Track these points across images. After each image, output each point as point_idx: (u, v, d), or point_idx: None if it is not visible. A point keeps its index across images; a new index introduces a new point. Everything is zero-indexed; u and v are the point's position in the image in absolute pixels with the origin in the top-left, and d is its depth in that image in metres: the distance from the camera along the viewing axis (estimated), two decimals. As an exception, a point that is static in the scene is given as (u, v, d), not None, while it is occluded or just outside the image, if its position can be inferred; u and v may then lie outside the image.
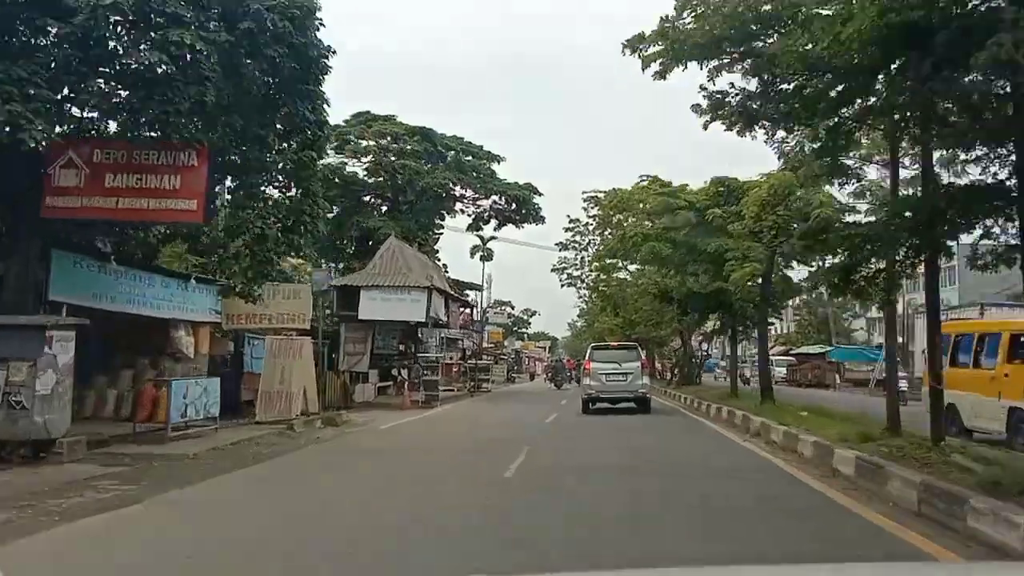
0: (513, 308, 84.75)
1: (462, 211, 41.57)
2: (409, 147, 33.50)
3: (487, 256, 74.58)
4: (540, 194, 39.47)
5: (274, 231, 15.39)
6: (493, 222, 41.70)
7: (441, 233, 41.35)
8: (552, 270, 49.29)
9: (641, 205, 31.78)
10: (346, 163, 35.11)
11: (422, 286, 28.76)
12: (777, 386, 48.74)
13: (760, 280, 20.28)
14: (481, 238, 74.88)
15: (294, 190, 16.07)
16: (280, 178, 16.08)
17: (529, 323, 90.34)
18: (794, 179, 16.58)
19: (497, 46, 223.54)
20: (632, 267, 48.15)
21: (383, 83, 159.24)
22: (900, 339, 59.20)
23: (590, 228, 48.60)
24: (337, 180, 34.17)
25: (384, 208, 36.45)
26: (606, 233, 48.34)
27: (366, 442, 16.52)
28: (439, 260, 42.75)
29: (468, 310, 38.05)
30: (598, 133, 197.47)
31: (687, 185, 24.93)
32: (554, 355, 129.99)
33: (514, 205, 39.97)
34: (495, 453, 13.45)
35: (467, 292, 42.54)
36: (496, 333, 77.40)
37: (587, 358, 24.35)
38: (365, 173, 37.14)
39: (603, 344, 29.71)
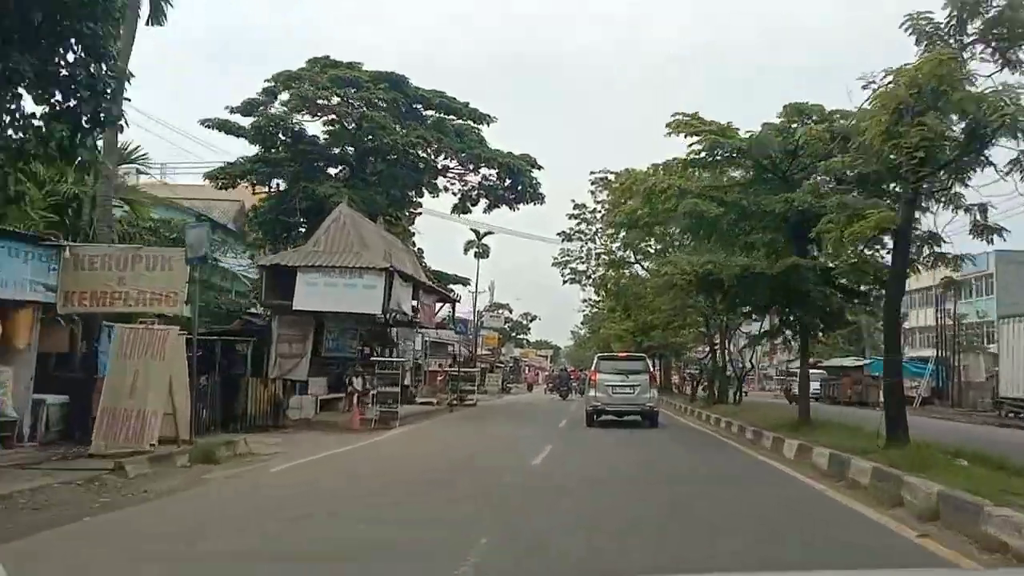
0: (511, 312, 77.53)
1: (446, 188, 34.52)
2: (376, 98, 26.44)
3: (482, 253, 67.79)
4: (538, 167, 32.45)
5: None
6: (483, 202, 34.65)
7: (418, 212, 34.40)
8: (554, 264, 42.33)
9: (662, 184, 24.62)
10: (299, 120, 28.09)
11: (378, 268, 21.73)
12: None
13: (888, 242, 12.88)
14: (476, 232, 67.85)
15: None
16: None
17: (528, 328, 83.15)
18: (954, 62, 9.64)
19: (497, 46, 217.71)
20: (647, 264, 41.39)
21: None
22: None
23: (598, 215, 41.70)
24: (283, 137, 27.26)
25: (344, 175, 29.40)
26: (615, 219, 41.47)
27: (211, 509, 9.46)
28: (414, 245, 35.74)
29: (448, 306, 30.93)
30: (598, 133, 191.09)
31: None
32: (557, 365, 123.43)
33: (507, 180, 32.90)
34: (423, 549, 6.54)
35: (451, 286, 35.42)
36: (491, 338, 70.37)
37: (592, 369, 23.08)
38: (327, 138, 30.15)
39: (610, 354, 28.47)
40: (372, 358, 23.02)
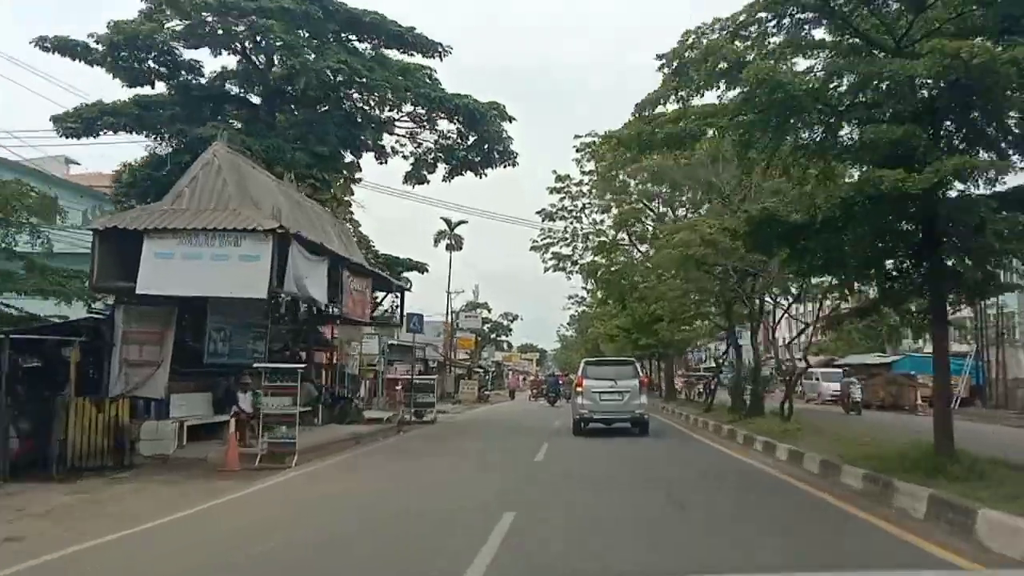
0: (490, 312, 70.30)
1: (394, 150, 27.39)
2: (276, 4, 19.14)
3: (455, 244, 60.62)
4: (510, 118, 25.36)
5: None
6: (442, 167, 27.52)
7: (357, 179, 27.24)
8: (533, 248, 35.18)
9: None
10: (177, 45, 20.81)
11: (262, 229, 14.58)
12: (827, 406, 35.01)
13: None
14: (447, 221, 60.60)
15: None
16: None
17: (510, 330, 75.84)
18: None
19: (486, 58, 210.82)
20: (643, 247, 34.40)
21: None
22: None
23: (585, 190, 34.66)
24: (155, 64, 20.04)
25: (245, 118, 22.20)
26: (607, 198, 34.42)
27: None
28: (351, 216, 28.62)
29: (393, 297, 23.85)
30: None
31: None
32: (544, 369, 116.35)
33: (472, 136, 25.81)
34: None
35: (405, 275, 28.23)
36: (467, 341, 63.17)
37: (579, 374, 21.76)
38: (228, 75, 22.98)
39: (598, 359, 26.34)
40: (256, 365, 15.84)
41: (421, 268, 29.03)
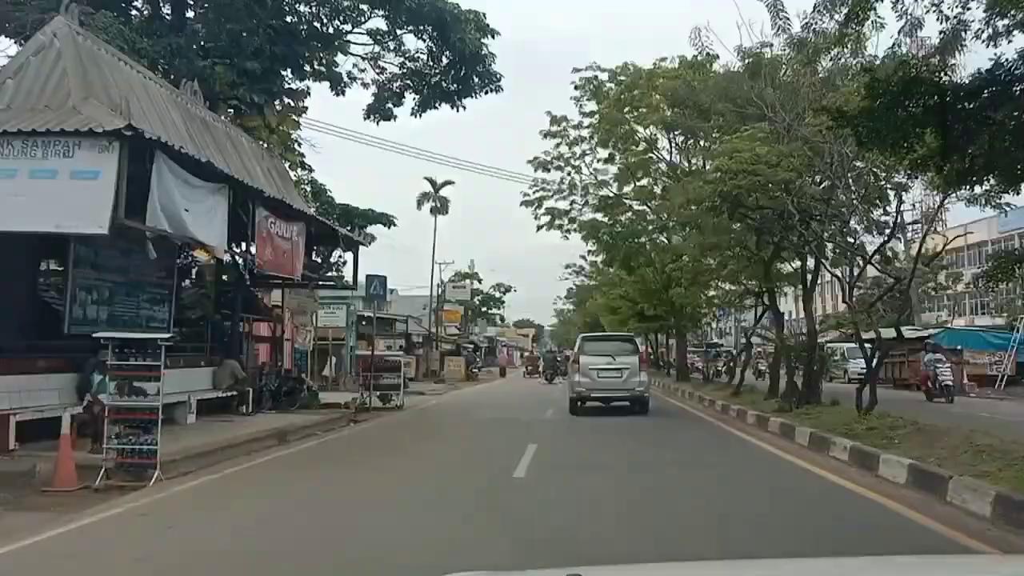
0: (481, 282, 65.32)
1: (352, 77, 22.39)
2: None
3: (440, 207, 55.59)
4: (493, 32, 20.32)
5: None
6: (411, 97, 22.53)
7: (303, 109, 22.17)
8: (524, 203, 30.23)
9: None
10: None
11: (104, 131, 9.66)
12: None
13: None
14: (432, 182, 55.42)
15: None
16: None
17: (502, 302, 70.87)
18: None
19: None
20: (654, 203, 29.38)
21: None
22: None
23: (585, 134, 29.65)
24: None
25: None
26: (610, 146, 29.39)
27: None
28: (302, 163, 23.72)
29: (340, 253, 19.04)
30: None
31: None
32: (541, 345, 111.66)
33: (445, 56, 20.80)
34: None
35: (365, 230, 23.28)
36: (454, 314, 58.34)
37: (576, 350, 20.57)
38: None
39: (595, 335, 25.30)
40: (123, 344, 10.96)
41: (387, 221, 24.09)
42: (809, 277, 17.90)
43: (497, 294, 68.41)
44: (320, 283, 20.11)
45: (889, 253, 19.08)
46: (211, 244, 11.86)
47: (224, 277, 18.96)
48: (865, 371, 38.75)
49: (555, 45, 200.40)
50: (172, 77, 15.22)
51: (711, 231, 18.60)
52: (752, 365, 27.01)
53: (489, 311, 71.06)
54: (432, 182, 50.51)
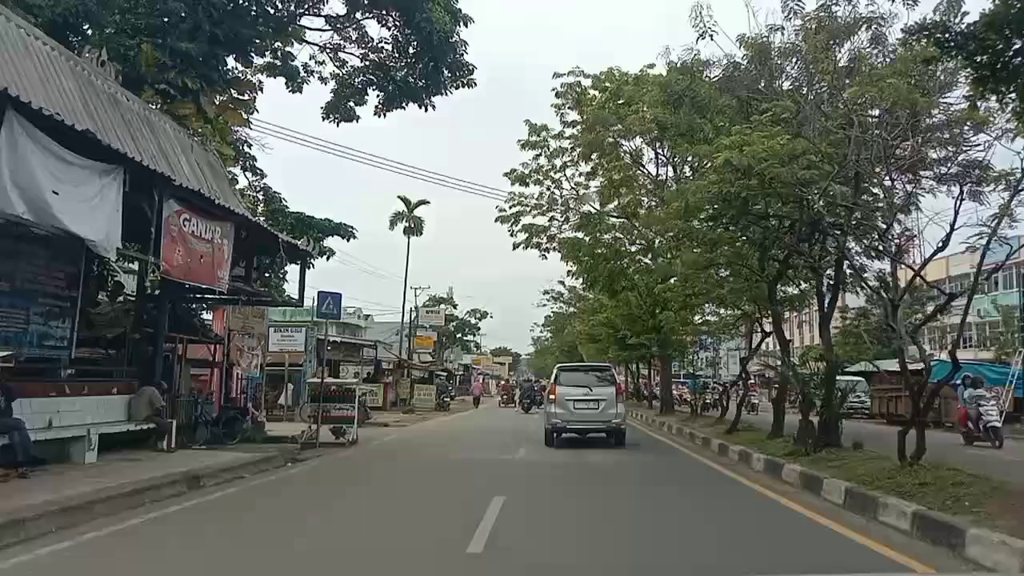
0: (456, 307, 62.72)
1: (309, 70, 20.03)
2: None
3: (414, 228, 53.01)
4: (465, 19, 18.06)
5: None
6: (375, 95, 20.19)
7: (251, 102, 19.70)
8: (499, 219, 27.88)
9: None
10: None
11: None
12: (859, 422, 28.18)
13: None
14: (406, 201, 52.96)
15: None
16: None
17: (478, 329, 68.27)
18: None
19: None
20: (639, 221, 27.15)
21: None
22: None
23: (566, 145, 27.45)
24: None
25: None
26: (593, 159, 27.18)
27: None
28: (253, 168, 21.35)
29: (286, 264, 16.60)
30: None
31: None
32: (518, 373, 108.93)
33: (412, 45, 18.53)
34: None
35: (320, 243, 20.86)
36: (426, 339, 55.66)
37: (552, 381, 20.17)
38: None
39: (572, 364, 24.15)
40: None
41: (346, 233, 21.55)
42: (828, 297, 15.58)
43: (473, 320, 65.85)
44: (254, 299, 17.49)
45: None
46: (91, 238, 9.31)
47: (149, 288, 16.35)
48: (866, 406, 36.62)
49: (538, 76, 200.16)
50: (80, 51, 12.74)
51: (708, 247, 16.32)
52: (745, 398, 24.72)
53: (464, 337, 68.40)
54: (406, 201, 48.07)
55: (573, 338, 54.00)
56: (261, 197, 22.07)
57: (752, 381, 27.13)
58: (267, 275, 18.44)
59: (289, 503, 10.68)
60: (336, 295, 19.37)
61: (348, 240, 21.69)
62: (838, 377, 39.43)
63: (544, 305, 52.03)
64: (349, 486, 12.40)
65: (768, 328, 20.70)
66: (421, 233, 49.28)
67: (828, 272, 15.26)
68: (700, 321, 26.87)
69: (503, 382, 70.34)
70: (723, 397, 24.53)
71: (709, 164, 13.28)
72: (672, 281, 20.20)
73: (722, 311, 21.94)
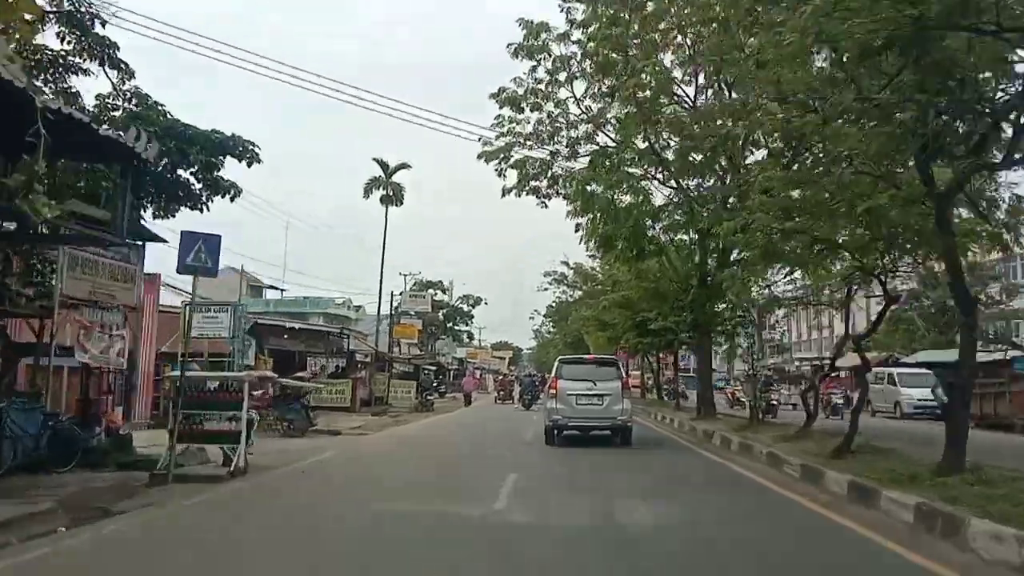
0: (446, 292, 55.35)
1: None
2: None
3: (394, 197, 45.52)
4: None
5: None
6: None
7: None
8: (482, 156, 20.60)
9: None
10: None
11: None
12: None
13: None
14: (383, 164, 45.50)
15: None
16: None
17: (471, 316, 60.90)
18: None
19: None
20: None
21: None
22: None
23: (574, 52, 20.23)
24: None
25: None
26: (612, 77, 19.96)
27: None
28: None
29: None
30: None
31: None
32: (519, 368, 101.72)
33: None
34: None
35: (219, 174, 13.58)
36: (408, 328, 48.41)
37: (553, 375, 19.13)
38: None
39: (574, 357, 23.24)
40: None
41: (248, 154, 14.36)
42: None
43: (466, 307, 58.47)
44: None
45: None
46: None
47: None
48: (933, 405, 29.48)
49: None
50: None
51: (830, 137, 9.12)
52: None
53: (456, 327, 61.09)
54: (383, 164, 40.71)
55: (579, 327, 46.83)
56: (132, 105, 14.96)
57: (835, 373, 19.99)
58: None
59: None
60: (212, 238, 12.18)
61: (250, 165, 14.49)
62: (896, 370, 32.07)
63: (546, 289, 44.94)
64: None
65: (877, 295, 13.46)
66: (402, 203, 41.97)
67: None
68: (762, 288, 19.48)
69: (500, 377, 63.19)
70: (807, 396, 17.27)
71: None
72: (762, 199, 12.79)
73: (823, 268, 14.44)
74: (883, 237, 10.51)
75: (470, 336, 71.12)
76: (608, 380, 17.63)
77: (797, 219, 11.56)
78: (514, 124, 19.99)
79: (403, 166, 41.38)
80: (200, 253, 12.00)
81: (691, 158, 17.44)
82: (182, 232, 12.07)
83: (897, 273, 13.52)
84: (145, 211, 15.75)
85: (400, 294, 48.33)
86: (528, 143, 20.03)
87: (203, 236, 12.13)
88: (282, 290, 56.11)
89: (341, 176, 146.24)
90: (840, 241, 10.95)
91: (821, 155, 10.49)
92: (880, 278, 12.25)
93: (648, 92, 19.09)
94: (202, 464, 13.31)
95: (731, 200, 17.62)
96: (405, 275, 52.33)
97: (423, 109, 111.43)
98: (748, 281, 16.05)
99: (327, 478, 12.63)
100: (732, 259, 21.38)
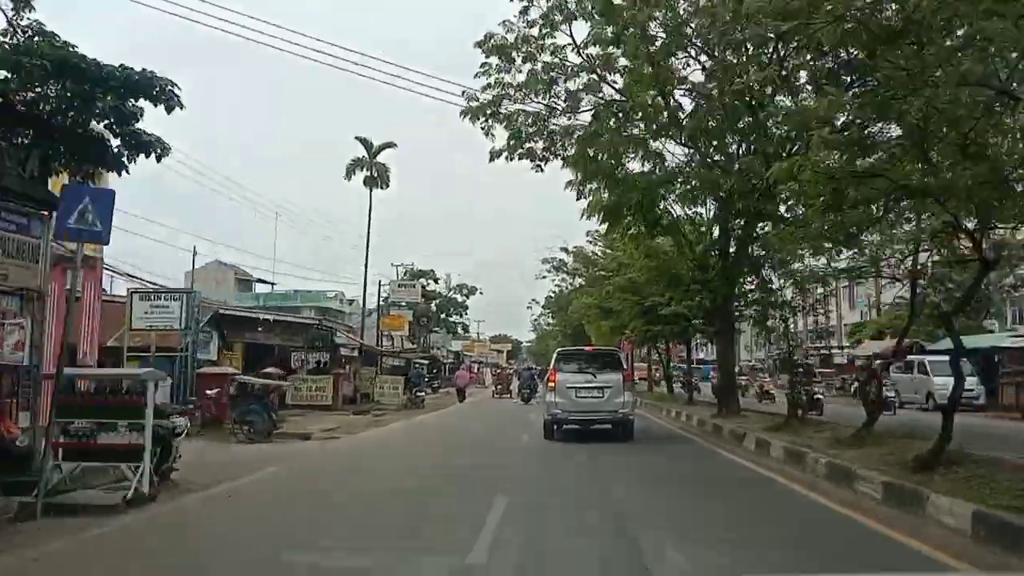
0: (437, 281, 52.45)
1: None
2: None
3: (379, 178, 42.43)
4: None
5: None
6: None
7: None
8: (464, 113, 17.62)
9: None
10: None
11: None
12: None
13: None
14: (366, 143, 42.26)
15: None
16: None
17: (465, 307, 57.98)
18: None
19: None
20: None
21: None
22: None
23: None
24: None
25: None
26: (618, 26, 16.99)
27: None
28: None
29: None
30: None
31: None
32: (518, 361, 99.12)
33: None
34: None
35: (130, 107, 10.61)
36: (396, 319, 45.51)
37: (552, 367, 19.00)
38: None
39: (574, 348, 22.55)
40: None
41: (162, 94, 11.50)
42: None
43: (459, 297, 55.56)
44: None
45: None
46: None
47: None
48: (975, 397, 26.71)
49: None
50: None
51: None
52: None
53: (449, 318, 58.17)
54: (366, 144, 37.74)
55: (580, 315, 43.97)
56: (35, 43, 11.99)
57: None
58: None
59: None
60: (105, 194, 9.27)
61: (169, 111, 11.57)
62: (928, 358, 29.12)
63: (544, 277, 42.05)
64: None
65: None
66: (387, 185, 38.97)
67: None
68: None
69: (498, 370, 60.33)
70: (868, 387, 14.32)
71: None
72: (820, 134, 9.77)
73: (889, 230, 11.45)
74: (999, 180, 7.65)
75: (464, 328, 68.13)
76: (608, 371, 17.26)
77: (872, 160, 8.69)
78: (502, 74, 17.05)
79: (388, 145, 38.47)
80: (87, 214, 9.08)
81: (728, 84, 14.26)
82: (63, 186, 9.20)
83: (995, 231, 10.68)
84: (59, 176, 12.80)
85: (387, 284, 45.52)
86: (521, 93, 17.09)
87: (90, 191, 9.23)
88: (272, 284, 53.56)
89: (332, 162, 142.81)
90: (935, 186, 8.10)
91: (912, 67, 7.58)
92: (975, 236, 9.45)
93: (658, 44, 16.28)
94: (114, 483, 10.44)
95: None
96: (397, 265, 49.76)
97: (403, 67, 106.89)
98: (800, 245, 13.16)
99: (254, 508, 9.68)
100: (757, 232, 18.61)
